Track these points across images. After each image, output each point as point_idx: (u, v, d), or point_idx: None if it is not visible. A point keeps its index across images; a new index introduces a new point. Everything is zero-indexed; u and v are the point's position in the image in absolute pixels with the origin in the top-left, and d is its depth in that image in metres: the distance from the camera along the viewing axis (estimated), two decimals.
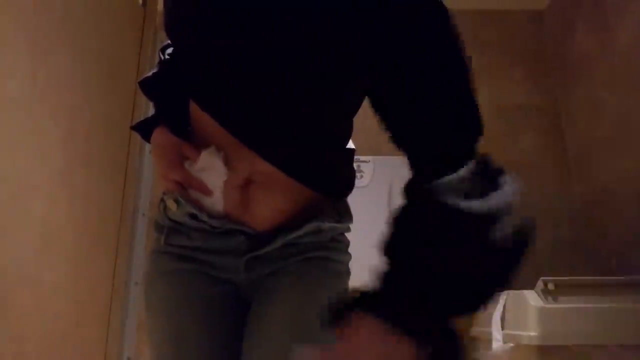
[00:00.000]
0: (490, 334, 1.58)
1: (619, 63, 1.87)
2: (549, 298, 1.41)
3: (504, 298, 1.59)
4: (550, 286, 1.42)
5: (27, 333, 1.35)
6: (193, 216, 0.75)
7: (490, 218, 0.51)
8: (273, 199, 0.72)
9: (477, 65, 2.39)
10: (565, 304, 1.39)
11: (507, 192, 0.56)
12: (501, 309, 1.58)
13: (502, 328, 1.55)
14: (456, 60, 0.61)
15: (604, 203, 1.98)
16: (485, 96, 2.31)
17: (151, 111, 0.92)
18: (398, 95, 0.60)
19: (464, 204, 0.51)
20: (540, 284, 1.43)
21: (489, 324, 1.61)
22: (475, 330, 1.85)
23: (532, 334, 1.37)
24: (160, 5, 2.31)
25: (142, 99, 2.13)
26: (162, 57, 0.88)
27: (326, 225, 0.75)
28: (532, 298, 1.42)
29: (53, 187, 1.50)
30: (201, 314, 0.78)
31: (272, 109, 0.65)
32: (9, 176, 1.30)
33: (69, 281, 1.58)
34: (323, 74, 0.60)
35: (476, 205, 0.51)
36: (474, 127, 0.60)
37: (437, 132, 0.59)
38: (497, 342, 1.52)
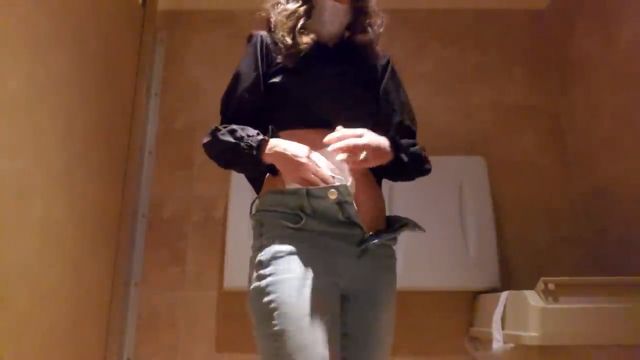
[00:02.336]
0: (490, 334, 1.58)
1: (619, 63, 1.87)
2: (550, 298, 1.41)
3: (504, 298, 1.59)
4: (551, 286, 1.42)
5: (26, 333, 1.35)
6: (340, 203, 0.97)
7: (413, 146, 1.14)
8: (369, 202, 1.06)
9: (477, 64, 2.41)
10: (566, 304, 1.39)
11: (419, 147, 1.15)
12: (501, 309, 1.58)
13: (503, 328, 1.55)
14: (403, 94, 1.24)
15: (604, 203, 1.98)
16: (486, 96, 2.31)
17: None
18: (381, 109, 1.19)
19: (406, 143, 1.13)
20: (540, 284, 1.43)
21: (489, 324, 1.61)
22: (476, 330, 1.85)
23: (533, 334, 1.37)
24: (160, 5, 2.31)
25: (142, 99, 2.13)
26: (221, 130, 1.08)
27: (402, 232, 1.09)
28: (532, 298, 1.42)
29: (52, 187, 1.50)
30: (325, 292, 0.94)
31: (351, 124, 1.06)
32: (9, 176, 1.30)
33: (68, 281, 1.58)
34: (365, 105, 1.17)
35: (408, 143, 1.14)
36: (413, 122, 1.22)
37: (398, 124, 1.18)
38: (498, 342, 1.52)
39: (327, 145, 0.98)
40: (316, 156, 1.02)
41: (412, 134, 1.20)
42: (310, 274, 0.93)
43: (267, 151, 1.01)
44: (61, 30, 1.56)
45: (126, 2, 2.07)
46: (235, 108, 1.13)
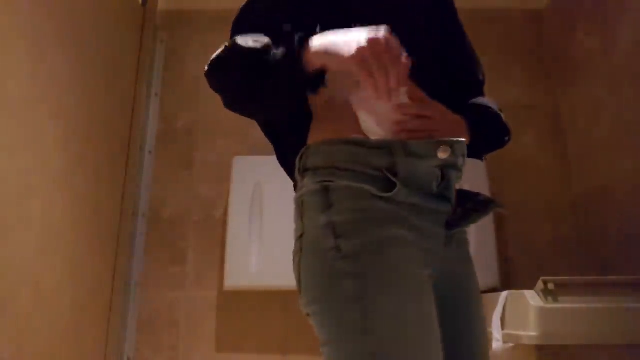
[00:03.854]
0: (490, 333, 1.58)
1: (619, 62, 1.87)
2: (549, 298, 1.41)
3: (504, 298, 1.59)
4: (551, 286, 1.42)
5: (27, 333, 1.35)
6: (446, 167, 0.72)
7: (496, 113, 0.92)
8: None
9: None
10: (566, 304, 1.39)
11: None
12: (501, 309, 1.57)
13: (502, 328, 1.55)
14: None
15: (604, 203, 1.97)
16: (485, 95, 2.31)
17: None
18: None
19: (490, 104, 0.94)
20: (540, 284, 1.43)
21: (488, 323, 1.61)
22: None
23: (532, 334, 1.36)
24: (160, 5, 2.31)
25: (142, 99, 2.13)
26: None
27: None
28: (532, 298, 1.41)
29: (53, 187, 1.50)
30: (433, 302, 0.70)
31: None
32: (9, 176, 1.30)
33: (68, 281, 1.58)
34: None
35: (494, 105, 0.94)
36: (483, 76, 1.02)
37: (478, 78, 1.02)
38: (497, 342, 1.52)
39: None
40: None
41: (482, 88, 0.99)
42: (419, 276, 0.69)
43: (312, 47, 0.67)
44: (61, 31, 1.56)
45: (126, 2, 2.07)
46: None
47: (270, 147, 0.94)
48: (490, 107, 0.90)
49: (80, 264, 1.65)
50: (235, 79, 0.74)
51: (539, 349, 1.35)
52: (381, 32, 0.62)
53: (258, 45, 0.70)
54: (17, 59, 1.35)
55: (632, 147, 1.79)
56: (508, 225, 2.12)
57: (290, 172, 0.81)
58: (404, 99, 0.71)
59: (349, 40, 0.63)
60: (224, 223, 2.11)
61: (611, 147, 1.92)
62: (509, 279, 2.01)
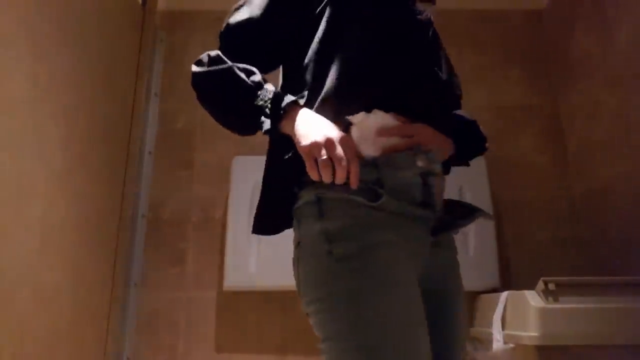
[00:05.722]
0: (490, 334, 1.58)
1: (618, 63, 1.87)
2: (550, 298, 1.41)
3: (505, 298, 1.59)
4: (551, 286, 1.42)
5: (26, 333, 1.35)
6: (425, 175, 0.79)
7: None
8: (440, 180, 0.84)
9: (476, 64, 2.41)
10: (566, 304, 1.39)
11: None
12: (501, 309, 1.57)
13: (503, 328, 1.55)
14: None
15: (604, 203, 1.98)
16: (484, 96, 2.31)
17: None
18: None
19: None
20: (540, 284, 1.43)
21: (489, 324, 1.61)
22: (476, 330, 1.85)
23: (533, 334, 1.36)
24: (160, 5, 2.31)
25: (142, 99, 2.13)
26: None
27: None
28: (532, 298, 1.41)
29: (53, 187, 1.49)
30: (420, 299, 0.75)
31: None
32: (9, 177, 1.29)
33: (68, 282, 1.57)
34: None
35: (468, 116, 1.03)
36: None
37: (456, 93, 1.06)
38: (498, 343, 1.52)
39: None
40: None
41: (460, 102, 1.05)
42: (407, 274, 0.74)
43: (289, 117, 0.75)
44: (61, 31, 1.56)
45: (126, 2, 2.06)
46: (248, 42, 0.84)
47: None
48: (470, 120, 1.02)
49: (80, 264, 1.64)
50: (219, 96, 0.82)
51: (540, 349, 1.35)
52: (338, 134, 0.71)
53: (248, 81, 0.78)
54: (18, 59, 1.34)
55: (631, 147, 1.79)
56: (508, 225, 2.12)
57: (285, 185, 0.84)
58: (371, 150, 0.78)
59: (311, 132, 0.71)
60: (223, 223, 2.11)
61: (610, 147, 1.92)
62: (509, 280, 2.02)
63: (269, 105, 0.76)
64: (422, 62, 0.85)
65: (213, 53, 0.86)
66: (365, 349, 0.68)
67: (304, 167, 0.73)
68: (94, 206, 1.75)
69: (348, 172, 0.70)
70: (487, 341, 1.64)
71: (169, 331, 2.00)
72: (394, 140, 0.78)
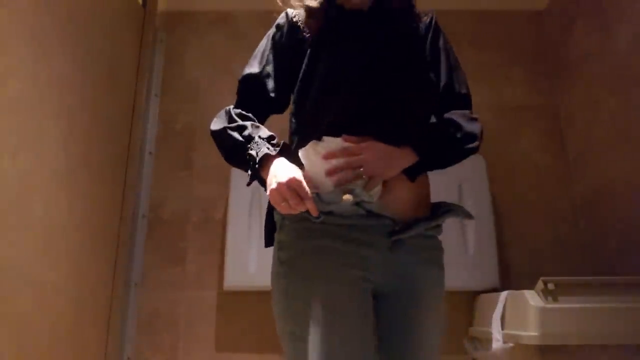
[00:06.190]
0: (490, 333, 1.58)
1: (618, 63, 1.87)
2: (549, 298, 1.41)
3: (504, 298, 1.59)
4: (551, 286, 1.42)
5: (27, 333, 1.35)
6: (358, 204, 0.89)
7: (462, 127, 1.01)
8: (403, 188, 0.94)
9: (477, 65, 2.41)
10: (566, 304, 1.39)
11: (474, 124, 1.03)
12: (501, 309, 1.58)
13: (502, 328, 1.55)
14: (452, 55, 1.09)
15: (604, 203, 1.98)
16: (485, 96, 2.31)
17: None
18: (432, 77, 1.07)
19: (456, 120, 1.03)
20: (540, 284, 1.43)
21: (489, 324, 1.61)
22: (475, 330, 1.85)
23: (532, 334, 1.36)
24: (160, 6, 2.32)
25: (142, 100, 2.13)
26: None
27: (446, 219, 1.00)
28: (532, 298, 1.42)
29: (53, 187, 1.50)
30: (351, 293, 0.87)
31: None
32: (10, 177, 1.30)
33: (69, 282, 1.58)
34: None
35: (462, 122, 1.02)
36: (465, 86, 1.08)
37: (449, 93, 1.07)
38: (497, 342, 1.52)
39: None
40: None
41: (466, 101, 1.07)
42: (334, 271, 0.87)
43: (264, 170, 0.91)
44: (62, 31, 1.57)
45: (126, 2, 2.07)
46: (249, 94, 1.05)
47: None
48: (449, 124, 1.02)
49: (80, 264, 1.65)
50: (225, 152, 1.01)
51: (539, 348, 1.35)
52: (290, 179, 0.84)
53: (241, 138, 0.95)
54: (18, 59, 1.35)
55: (631, 147, 1.79)
56: (508, 225, 2.12)
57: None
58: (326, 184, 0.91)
59: (272, 181, 0.86)
60: (223, 224, 2.11)
61: (611, 147, 1.92)
62: (509, 279, 2.01)
63: (253, 157, 0.92)
64: (364, 89, 0.96)
65: (226, 109, 1.04)
66: (294, 335, 0.86)
67: None
68: (95, 206, 1.75)
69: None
70: (487, 341, 1.64)
71: (169, 331, 2.00)
72: (342, 175, 0.90)
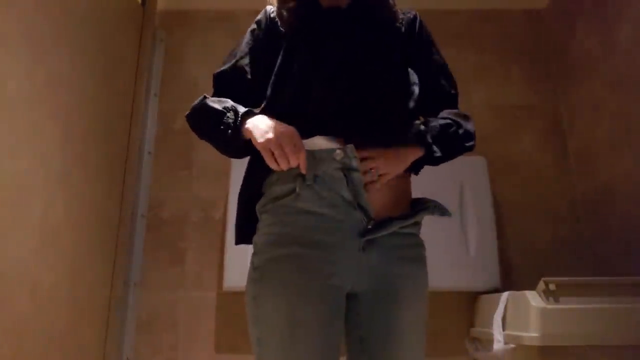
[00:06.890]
0: (491, 334, 1.57)
1: (619, 62, 1.87)
2: (550, 298, 1.40)
3: (505, 299, 1.59)
4: (552, 287, 1.41)
5: (26, 333, 1.35)
6: (346, 170, 0.88)
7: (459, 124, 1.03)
8: (380, 193, 0.92)
9: (477, 64, 2.40)
10: (567, 304, 1.39)
11: (469, 122, 1.05)
12: (502, 309, 1.57)
13: (504, 329, 1.54)
14: (438, 53, 1.11)
15: (604, 203, 1.97)
16: (485, 96, 2.31)
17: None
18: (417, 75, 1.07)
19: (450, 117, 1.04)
20: (541, 285, 1.43)
21: (490, 324, 1.61)
22: (477, 331, 1.85)
23: (534, 334, 1.36)
24: (159, 4, 2.31)
25: (141, 99, 2.12)
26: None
27: (422, 217, 0.99)
28: (533, 298, 1.41)
29: (51, 187, 1.49)
30: (316, 302, 0.86)
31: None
32: (8, 177, 1.29)
33: (67, 282, 1.57)
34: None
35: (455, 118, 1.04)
36: (452, 85, 1.11)
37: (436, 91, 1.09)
38: (498, 343, 1.52)
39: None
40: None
41: (453, 100, 1.08)
42: (302, 281, 0.86)
43: (246, 124, 0.90)
44: (60, 30, 1.56)
45: (126, 1, 2.06)
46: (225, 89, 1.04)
47: None
48: (449, 120, 1.02)
49: (79, 264, 1.64)
50: (201, 122, 1.00)
51: (541, 349, 1.35)
52: (286, 129, 0.86)
53: (219, 107, 0.95)
54: (17, 59, 1.34)
55: (632, 147, 1.79)
56: (508, 226, 2.12)
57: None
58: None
59: (265, 129, 0.87)
60: (223, 224, 2.10)
61: (611, 147, 1.92)
62: (510, 280, 2.01)
63: (233, 118, 0.92)
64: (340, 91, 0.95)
65: (200, 98, 1.02)
66: (260, 341, 0.87)
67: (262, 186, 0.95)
68: (94, 206, 1.74)
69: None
70: (488, 341, 1.64)
71: (168, 331, 1.99)
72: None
